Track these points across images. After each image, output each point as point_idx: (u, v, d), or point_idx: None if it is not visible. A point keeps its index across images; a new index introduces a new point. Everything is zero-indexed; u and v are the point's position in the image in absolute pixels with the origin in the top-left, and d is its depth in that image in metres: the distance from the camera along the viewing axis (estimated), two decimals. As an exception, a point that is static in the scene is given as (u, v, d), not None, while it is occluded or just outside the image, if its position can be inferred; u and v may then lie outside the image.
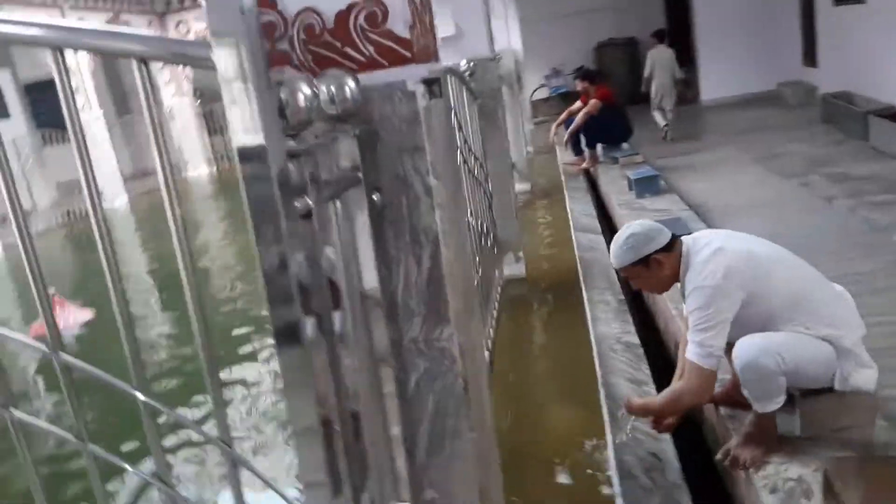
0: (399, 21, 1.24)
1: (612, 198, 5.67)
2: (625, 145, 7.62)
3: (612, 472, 2.13)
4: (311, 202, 0.98)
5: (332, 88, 1.15)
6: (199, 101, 13.29)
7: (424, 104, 1.26)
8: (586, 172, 7.28)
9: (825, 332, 2.00)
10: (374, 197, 1.30)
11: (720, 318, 1.96)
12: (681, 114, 11.34)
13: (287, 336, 0.97)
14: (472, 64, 3.67)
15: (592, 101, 7.15)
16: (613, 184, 6.14)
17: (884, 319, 3.27)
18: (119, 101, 14.43)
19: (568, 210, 5.57)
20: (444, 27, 3.79)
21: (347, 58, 1.26)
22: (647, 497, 2.00)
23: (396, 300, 1.37)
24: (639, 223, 2.21)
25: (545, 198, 6.46)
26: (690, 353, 2.00)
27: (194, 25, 12.74)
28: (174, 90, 12.83)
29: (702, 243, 2.10)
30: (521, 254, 3.98)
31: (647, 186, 5.37)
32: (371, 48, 1.26)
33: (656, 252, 2.09)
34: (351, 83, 1.17)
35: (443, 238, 1.33)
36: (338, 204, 1.15)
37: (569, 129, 7.32)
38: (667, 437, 2.28)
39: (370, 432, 1.36)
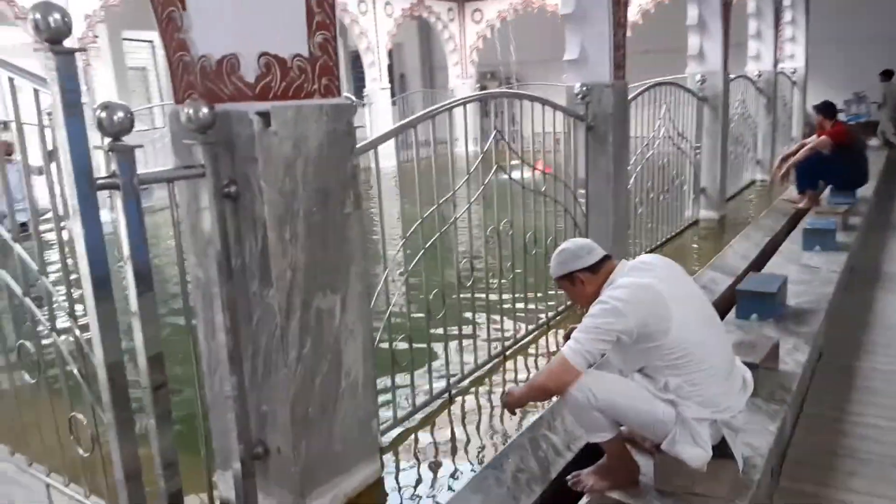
0: (249, 71, 1.81)
1: (784, 244, 5.28)
2: (862, 192, 6.80)
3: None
4: (118, 181, 1.61)
5: (190, 111, 1.78)
6: (478, 86, 14.52)
7: (258, 129, 1.81)
8: (802, 212, 6.69)
9: (672, 396, 2.05)
10: (231, 189, 1.89)
11: (605, 330, 2.03)
12: None
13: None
14: (584, 88, 3.90)
15: (822, 138, 6.53)
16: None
17: None
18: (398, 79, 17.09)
19: (729, 246, 5.34)
20: (570, 51, 4.06)
21: (221, 91, 1.86)
22: (494, 486, 2.28)
23: (245, 263, 1.96)
24: (572, 241, 2.35)
25: (731, 230, 6.14)
26: (565, 346, 2.09)
27: (487, 14, 13.92)
28: (459, 72, 14.24)
29: (632, 271, 2.16)
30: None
31: (817, 239, 4.90)
32: (231, 86, 1.84)
33: (580, 270, 2.23)
34: (204, 109, 1.77)
35: (269, 224, 1.87)
36: (172, 187, 1.78)
37: (790, 162, 6.79)
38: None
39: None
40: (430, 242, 2.83)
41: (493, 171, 3.24)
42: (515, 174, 3.47)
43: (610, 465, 2.21)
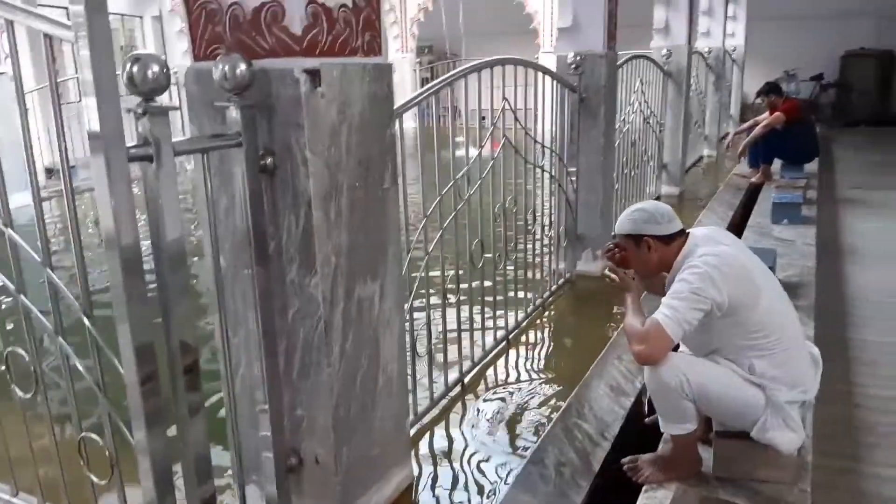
0: (295, 21, 1.53)
1: (752, 218, 5.34)
2: (809, 167, 7.01)
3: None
4: (151, 152, 1.32)
5: (226, 69, 1.49)
6: (418, 60, 14.21)
7: (305, 90, 1.54)
8: (756, 187, 6.83)
9: (762, 380, 1.94)
10: (268, 160, 1.62)
11: (700, 298, 1.88)
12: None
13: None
14: (577, 57, 3.74)
15: (776, 114, 6.66)
16: (766, 204, 5.74)
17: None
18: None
19: (696, 221, 5.36)
20: (563, 19, 3.89)
21: (257, 44, 1.58)
22: (540, 483, 2.13)
23: (281, 246, 1.69)
24: (653, 203, 2.17)
25: (690, 205, 6.20)
26: (658, 312, 1.90)
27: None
28: (399, 46, 13.86)
29: (711, 242, 2.02)
30: (598, 253, 4.02)
31: (785, 213, 4.98)
32: (273, 39, 1.56)
33: (652, 236, 2.06)
34: (242, 66, 1.49)
35: (314, 201, 1.62)
36: (205, 159, 1.49)
37: (746, 140, 6.92)
38: (606, 443, 2.35)
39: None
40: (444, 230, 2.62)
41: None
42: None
43: (674, 458, 2.07)
